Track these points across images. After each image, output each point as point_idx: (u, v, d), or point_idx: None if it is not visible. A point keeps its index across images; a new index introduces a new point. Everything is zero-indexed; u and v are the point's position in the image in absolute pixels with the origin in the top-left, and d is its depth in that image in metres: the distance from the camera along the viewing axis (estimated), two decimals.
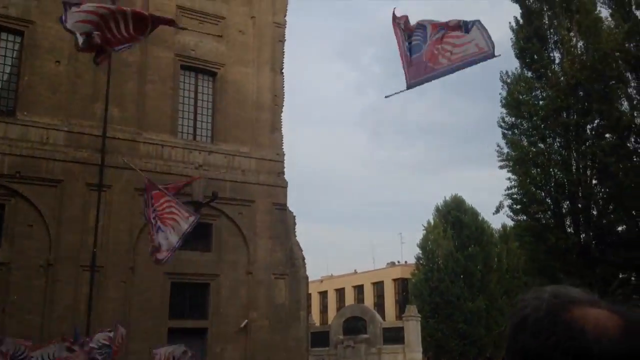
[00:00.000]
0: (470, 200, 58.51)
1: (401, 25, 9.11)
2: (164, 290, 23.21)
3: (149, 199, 9.30)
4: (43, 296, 20.59)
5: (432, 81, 9.15)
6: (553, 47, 28.10)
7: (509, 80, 28.35)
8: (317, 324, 45.32)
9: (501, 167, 28.64)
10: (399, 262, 50.66)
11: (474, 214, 44.35)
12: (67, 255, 21.28)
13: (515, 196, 28.04)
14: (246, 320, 24.60)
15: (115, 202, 22.76)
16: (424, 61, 8.83)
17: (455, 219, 43.17)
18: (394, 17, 9.02)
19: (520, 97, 27.76)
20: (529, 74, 28.29)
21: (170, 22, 10.10)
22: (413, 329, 31.86)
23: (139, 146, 23.92)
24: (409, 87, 9.09)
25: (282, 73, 28.74)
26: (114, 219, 22.58)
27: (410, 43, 9.08)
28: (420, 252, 43.06)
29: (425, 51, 8.82)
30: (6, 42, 22.43)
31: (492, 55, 8.78)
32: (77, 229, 21.77)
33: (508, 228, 45.10)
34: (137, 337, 21.98)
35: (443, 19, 9.12)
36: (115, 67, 23.78)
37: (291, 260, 26.63)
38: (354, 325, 33.67)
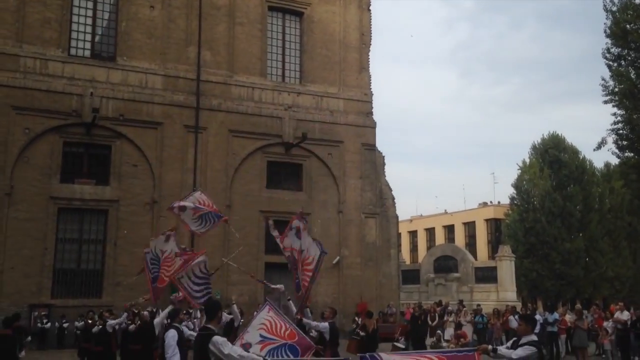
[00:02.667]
0: (570, 138, 55.58)
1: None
2: (259, 227, 24.20)
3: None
4: (150, 231, 22.07)
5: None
6: None
7: (614, 9, 26.16)
8: (407, 262, 45.71)
9: (606, 102, 26.96)
10: (491, 202, 49.55)
11: (574, 152, 42.17)
12: (170, 193, 22.56)
13: (621, 132, 26.43)
14: (338, 257, 25.26)
15: (211, 143, 23.72)
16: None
17: (553, 157, 41.27)
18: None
19: (628, 26, 25.66)
20: (637, 1, 25.96)
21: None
22: (507, 269, 31.41)
23: (231, 89, 24.56)
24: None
25: (370, 10, 28.15)
26: (211, 159, 23.60)
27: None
28: (515, 192, 41.82)
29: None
30: None
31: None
32: (178, 169, 22.99)
33: (612, 166, 42.72)
34: (235, 270, 23.24)
35: None
36: (205, 10, 24.36)
37: (381, 200, 26.81)
38: (445, 264, 33.71)
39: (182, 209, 11.62)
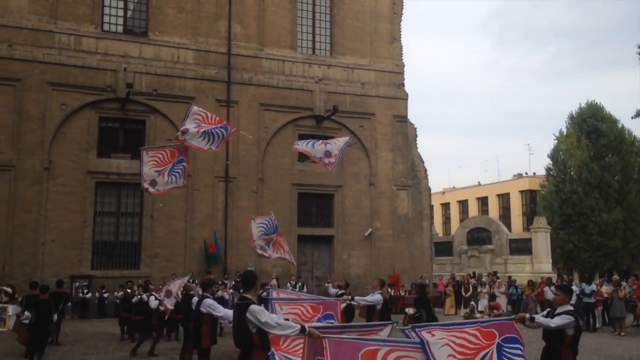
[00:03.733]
0: (608, 107, 53.92)
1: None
2: (292, 200, 24.40)
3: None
4: (185, 204, 22.49)
5: None
6: None
7: None
8: (440, 234, 45.50)
9: None
10: (526, 173, 48.74)
11: (613, 121, 40.99)
12: (204, 167, 22.86)
13: None
14: (370, 229, 25.32)
15: (243, 117, 23.85)
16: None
17: (591, 127, 40.18)
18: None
19: None
20: None
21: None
22: (542, 240, 30.98)
23: (262, 62, 24.55)
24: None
25: None
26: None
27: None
28: (551, 162, 40.98)
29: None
30: None
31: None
32: None
33: None
34: None
35: None
36: None
37: (413, 172, 26.66)
38: (478, 236, 33.43)
39: (185, 132, 11.53)
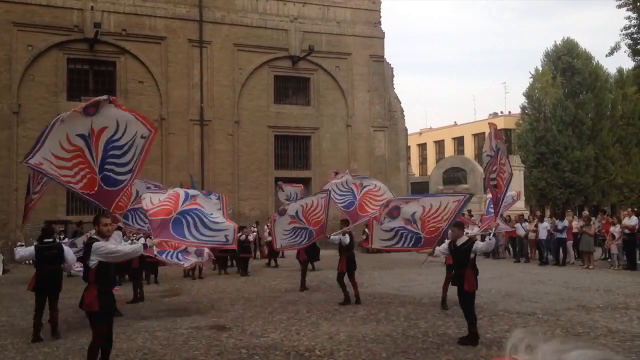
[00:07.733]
0: (583, 44, 53.86)
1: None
2: (269, 143, 24.26)
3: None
4: (160, 148, 22.21)
5: None
6: None
7: None
8: (416, 175, 45.90)
9: (620, 6, 25.97)
10: (502, 112, 48.98)
11: (588, 58, 40.93)
12: (178, 110, 22.50)
13: (635, 36, 25.57)
14: (347, 171, 25.36)
15: (217, 58, 23.31)
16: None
17: (566, 64, 40.15)
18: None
19: None
20: None
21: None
22: (515, 179, 31.18)
23: (234, 0, 23.82)
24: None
25: None
26: (217, 75, 23.29)
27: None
28: (526, 101, 41.10)
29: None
30: None
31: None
32: (184, 85, 22.74)
33: (625, 72, 41.75)
34: (246, 185, 23.56)
35: None
36: None
37: (390, 113, 26.58)
38: (454, 176, 33.71)
39: (282, 212, 11.69)
